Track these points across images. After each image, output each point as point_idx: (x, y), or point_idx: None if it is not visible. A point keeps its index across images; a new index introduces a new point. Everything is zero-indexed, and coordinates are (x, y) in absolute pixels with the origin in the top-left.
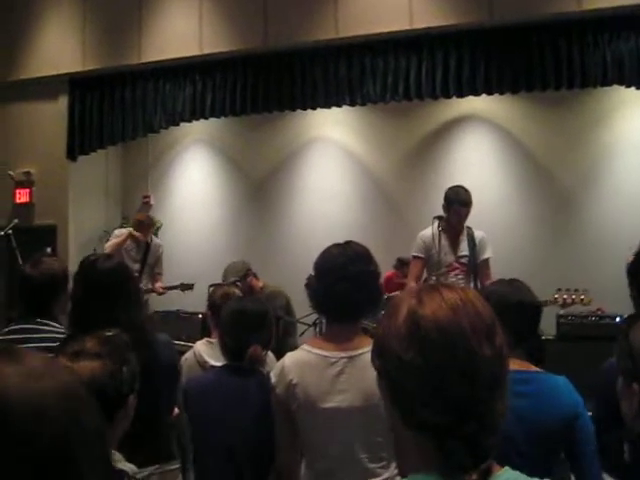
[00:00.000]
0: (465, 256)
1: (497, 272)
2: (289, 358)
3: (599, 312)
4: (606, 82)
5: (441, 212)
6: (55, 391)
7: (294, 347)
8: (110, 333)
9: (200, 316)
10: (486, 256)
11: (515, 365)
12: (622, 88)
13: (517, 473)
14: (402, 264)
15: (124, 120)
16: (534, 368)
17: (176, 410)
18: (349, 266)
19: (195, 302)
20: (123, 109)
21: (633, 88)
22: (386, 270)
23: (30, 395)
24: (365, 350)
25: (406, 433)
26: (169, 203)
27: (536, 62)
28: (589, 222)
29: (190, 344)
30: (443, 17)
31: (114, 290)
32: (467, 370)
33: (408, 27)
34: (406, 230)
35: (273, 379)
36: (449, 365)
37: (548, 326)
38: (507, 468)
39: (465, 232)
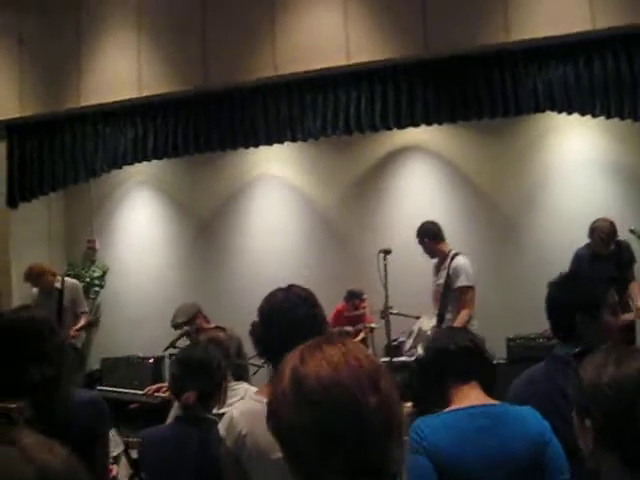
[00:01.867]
0: (440, 284)
1: None
2: (237, 409)
3: (546, 333)
4: (538, 109)
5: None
6: None
7: None
8: (9, 405)
9: (151, 361)
10: (458, 284)
11: (472, 399)
12: (554, 114)
13: None
14: (352, 296)
15: (65, 165)
16: (493, 401)
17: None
18: (293, 311)
19: (144, 346)
20: (63, 154)
21: (564, 114)
22: (335, 303)
23: None
24: None
25: None
26: (115, 246)
27: (471, 92)
28: (530, 245)
29: (140, 392)
30: (380, 51)
31: (20, 344)
32: (355, 423)
33: (345, 62)
34: (353, 262)
35: (222, 431)
36: (336, 421)
37: (498, 349)
38: None
39: (448, 260)
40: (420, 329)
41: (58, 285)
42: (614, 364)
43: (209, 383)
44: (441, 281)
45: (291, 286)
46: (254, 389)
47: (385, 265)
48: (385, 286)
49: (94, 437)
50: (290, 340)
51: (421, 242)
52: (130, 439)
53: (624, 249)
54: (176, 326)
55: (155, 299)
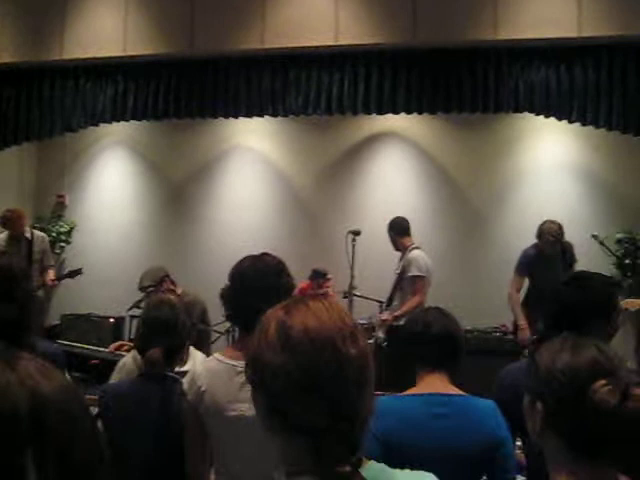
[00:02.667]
0: (397, 274)
1: None
2: (200, 366)
3: (503, 328)
4: (518, 109)
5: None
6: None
7: (208, 355)
8: None
9: (112, 320)
10: (409, 274)
11: (436, 387)
12: (532, 115)
13: (382, 465)
14: (317, 275)
15: (41, 116)
16: (456, 391)
17: None
18: (262, 279)
19: (106, 306)
20: (41, 105)
21: (542, 116)
22: (300, 281)
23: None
24: None
25: (282, 437)
26: (85, 204)
27: (454, 86)
28: (496, 241)
29: (101, 349)
30: (368, 35)
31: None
32: (336, 369)
33: (333, 43)
34: (322, 242)
35: (185, 385)
36: (319, 366)
37: None
38: (373, 461)
39: (406, 252)
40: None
41: (28, 235)
42: (569, 351)
43: (174, 341)
44: (398, 271)
45: (263, 254)
46: (198, 353)
47: (353, 246)
48: (352, 267)
49: None
50: (258, 305)
51: (389, 234)
52: (90, 395)
53: (568, 249)
54: (142, 289)
55: (121, 259)
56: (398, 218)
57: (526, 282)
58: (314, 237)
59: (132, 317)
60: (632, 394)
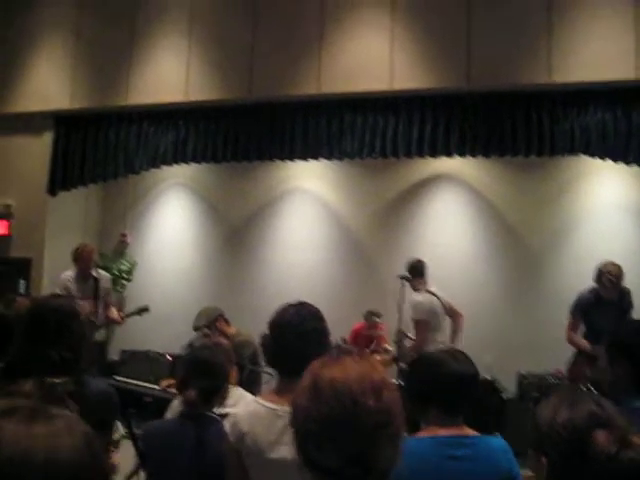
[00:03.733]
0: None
1: (466, 329)
2: (242, 410)
3: (557, 373)
4: (573, 151)
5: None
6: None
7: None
8: (54, 380)
9: (169, 358)
10: (413, 317)
11: (450, 431)
12: (588, 158)
13: None
14: (371, 316)
15: (106, 159)
16: (471, 432)
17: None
18: (302, 324)
19: (165, 343)
20: (106, 149)
21: (597, 158)
22: (354, 322)
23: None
24: None
25: (308, 474)
26: (146, 243)
27: (508, 129)
28: (553, 285)
29: (155, 386)
30: (422, 80)
31: (45, 328)
32: (352, 419)
33: (388, 88)
34: (376, 284)
35: (227, 428)
36: (336, 413)
37: (510, 385)
38: None
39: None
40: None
41: (94, 274)
42: (568, 406)
43: (211, 383)
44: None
45: (302, 303)
46: (248, 395)
47: (403, 290)
48: (399, 310)
49: (101, 425)
50: (297, 351)
51: (405, 277)
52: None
53: (626, 295)
54: (197, 328)
55: (179, 298)
56: (414, 260)
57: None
58: (369, 279)
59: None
60: (632, 442)
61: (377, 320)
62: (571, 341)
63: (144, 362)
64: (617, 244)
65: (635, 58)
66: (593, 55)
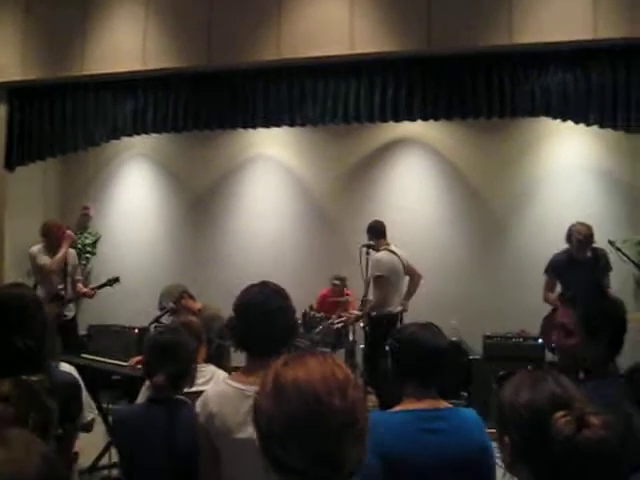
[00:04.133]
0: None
1: (431, 292)
2: (211, 389)
3: (522, 333)
4: (534, 113)
5: None
6: None
7: (227, 370)
8: (31, 378)
9: (136, 331)
10: (374, 274)
11: (426, 404)
12: (549, 119)
13: None
14: (337, 282)
15: (65, 132)
16: (444, 405)
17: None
18: (267, 303)
19: (132, 316)
20: (64, 121)
21: (558, 120)
22: (321, 286)
23: None
24: None
25: (273, 476)
26: (109, 215)
27: (469, 91)
28: (516, 248)
29: (123, 363)
30: (383, 44)
31: (9, 317)
32: (317, 419)
33: (349, 52)
34: (341, 248)
35: (197, 408)
36: (301, 414)
37: (476, 346)
38: None
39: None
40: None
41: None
42: (528, 387)
43: (178, 366)
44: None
45: (265, 282)
46: (220, 372)
47: (367, 259)
48: (365, 281)
49: (65, 416)
50: (263, 330)
51: (368, 234)
52: (111, 406)
53: (601, 256)
54: (162, 308)
55: (144, 270)
56: (373, 222)
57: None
58: (333, 244)
59: (156, 328)
60: (590, 423)
61: (340, 284)
62: (546, 300)
63: (111, 336)
64: (579, 205)
65: (593, 18)
66: (552, 16)
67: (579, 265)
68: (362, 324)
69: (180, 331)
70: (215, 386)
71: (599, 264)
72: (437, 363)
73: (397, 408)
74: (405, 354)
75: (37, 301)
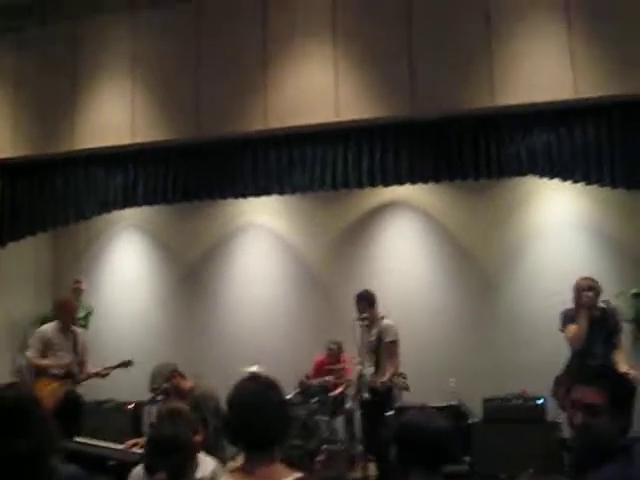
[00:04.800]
0: (372, 341)
1: (426, 355)
2: None
3: (522, 395)
4: (521, 172)
5: None
6: None
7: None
8: None
9: (131, 406)
10: (387, 340)
11: None
12: (536, 178)
13: None
14: (332, 349)
15: (55, 207)
16: None
17: None
18: (262, 399)
19: (124, 390)
20: (54, 196)
21: (545, 178)
22: (316, 352)
23: None
24: None
25: None
26: (101, 288)
27: (456, 154)
28: (509, 306)
29: (118, 446)
30: (368, 110)
31: (7, 420)
32: None
33: (334, 119)
34: (334, 314)
35: None
36: None
37: (475, 409)
38: None
39: (378, 321)
40: (361, 377)
41: (73, 328)
42: None
43: (179, 461)
44: (372, 338)
45: (255, 376)
46: (209, 459)
47: (361, 332)
48: (361, 354)
49: None
50: (260, 426)
51: (360, 304)
52: None
53: (610, 317)
54: (154, 389)
55: (137, 342)
56: (366, 291)
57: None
58: (327, 309)
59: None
60: None
61: (337, 349)
62: (573, 332)
63: (105, 414)
64: (569, 261)
65: (572, 78)
66: (533, 77)
67: (592, 322)
68: (354, 392)
69: (178, 424)
70: None
71: (608, 324)
72: (441, 446)
73: None
74: (407, 442)
75: (35, 399)
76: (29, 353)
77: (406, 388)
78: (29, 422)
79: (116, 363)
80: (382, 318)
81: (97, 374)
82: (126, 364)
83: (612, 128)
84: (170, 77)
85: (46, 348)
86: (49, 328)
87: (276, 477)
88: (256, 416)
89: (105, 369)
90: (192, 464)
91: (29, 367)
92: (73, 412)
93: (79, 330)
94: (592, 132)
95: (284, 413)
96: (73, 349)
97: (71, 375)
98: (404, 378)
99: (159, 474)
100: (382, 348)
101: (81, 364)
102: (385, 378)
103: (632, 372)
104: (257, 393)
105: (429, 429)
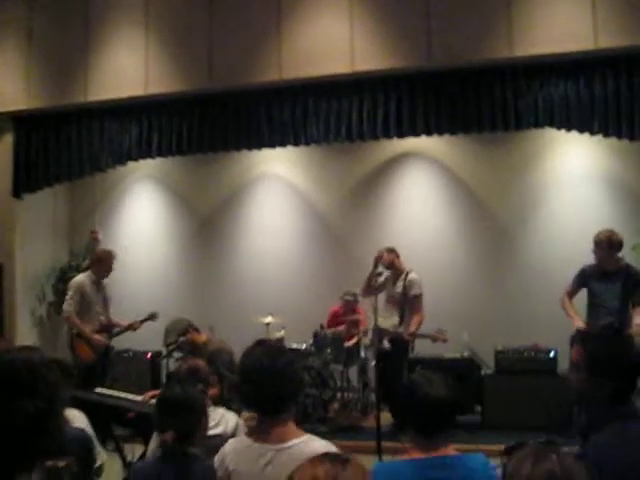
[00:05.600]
0: (398, 292)
1: (442, 307)
2: (229, 446)
3: (534, 347)
4: (538, 124)
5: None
6: None
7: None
8: (57, 464)
9: (149, 356)
10: (412, 293)
11: (432, 452)
12: (553, 130)
13: None
14: (348, 300)
15: (70, 158)
16: (452, 452)
17: None
18: (273, 364)
19: (144, 340)
20: (69, 148)
21: (563, 130)
22: (331, 304)
23: None
24: (292, 443)
25: None
26: (117, 239)
27: (472, 105)
28: (524, 258)
29: (137, 397)
30: (383, 61)
31: (16, 382)
32: None
33: (350, 70)
34: (350, 264)
35: (216, 463)
36: None
37: (488, 360)
38: None
39: (404, 274)
40: (376, 326)
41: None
42: (531, 462)
43: (188, 422)
44: (399, 290)
45: (264, 341)
46: (230, 415)
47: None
48: (375, 311)
49: (80, 466)
50: (273, 391)
51: (388, 256)
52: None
53: (633, 274)
54: (168, 344)
55: (155, 291)
56: (388, 248)
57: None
58: (342, 259)
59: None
60: None
61: (353, 300)
62: (562, 305)
63: (125, 363)
64: (585, 213)
65: (593, 29)
66: (552, 28)
67: (610, 276)
68: (368, 341)
69: (189, 386)
70: (233, 443)
71: (630, 280)
72: (439, 416)
73: (403, 457)
74: (406, 407)
75: (46, 363)
76: (67, 307)
77: (444, 339)
78: (37, 384)
79: (144, 316)
80: (408, 272)
81: (130, 327)
82: (153, 317)
83: (632, 80)
84: (183, 28)
85: (82, 300)
86: (85, 280)
87: (289, 438)
88: (265, 384)
89: (137, 323)
90: (202, 424)
91: (67, 320)
92: (104, 365)
93: (106, 282)
94: (611, 83)
95: (293, 377)
96: (103, 302)
97: (106, 329)
98: (442, 331)
99: (166, 434)
100: (407, 301)
101: (108, 318)
102: (411, 329)
103: None
104: (265, 360)
105: (427, 397)
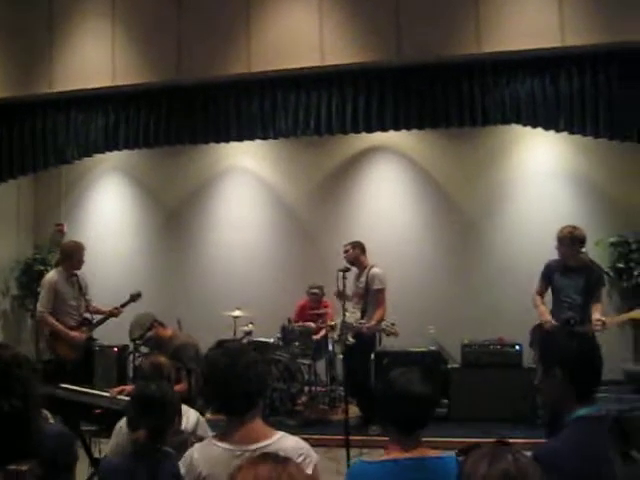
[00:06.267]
0: (361, 287)
1: (410, 301)
2: (198, 451)
3: (500, 341)
4: (505, 121)
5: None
6: None
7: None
8: (20, 468)
9: (115, 350)
10: (374, 287)
11: (410, 452)
12: (520, 126)
13: None
14: (314, 293)
15: (35, 150)
16: (430, 452)
17: None
18: (235, 364)
19: (108, 334)
20: (34, 139)
21: (529, 126)
22: (299, 298)
23: None
24: (265, 443)
25: None
26: (83, 231)
27: (440, 100)
28: (490, 251)
29: (104, 393)
30: (353, 55)
31: None
32: None
33: (319, 63)
34: (318, 258)
35: (182, 469)
36: None
37: (454, 355)
38: None
39: (367, 269)
40: (343, 322)
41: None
42: (487, 462)
43: (161, 420)
44: (362, 285)
45: (224, 341)
46: (192, 412)
47: (344, 283)
48: (343, 305)
49: (60, 468)
50: (238, 391)
51: (353, 252)
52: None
53: (596, 268)
54: (133, 339)
55: (120, 285)
56: (356, 242)
57: None
58: (309, 253)
59: (135, 348)
60: None
61: (319, 293)
62: (534, 305)
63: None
64: (551, 208)
65: (560, 26)
66: (520, 25)
67: (573, 272)
68: (336, 336)
69: (163, 383)
70: (201, 448)
71: (593, 275)
72: (420, 412)
73: (382, 457)
74: (387, 403)
75: (19, 359)
76: (42, 307)
77: (395, 333)
78: (11, 383)
79: (125, 300)
80: (372, 267)
81: (111, 314)
82: (135, 298)
83: (597, 77)
84: (151, 19)
85: (56, 297)
86: (57, 276)
87: (261, 439)
88: (229, 384)
89: (116, 308)
90: (175, 421)
91: (42, 320)
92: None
93: (80, 272)
94: (577, 81)
95: (257, 375)
96: (79, 293)
97: (86, 322)
98: (393, 325)
99: (139, 432)
100: (370, 295)
101: (88, 306)
102: (371, 323)
103: (606, 319)
104: (226, 363)
105: (410, 393)
